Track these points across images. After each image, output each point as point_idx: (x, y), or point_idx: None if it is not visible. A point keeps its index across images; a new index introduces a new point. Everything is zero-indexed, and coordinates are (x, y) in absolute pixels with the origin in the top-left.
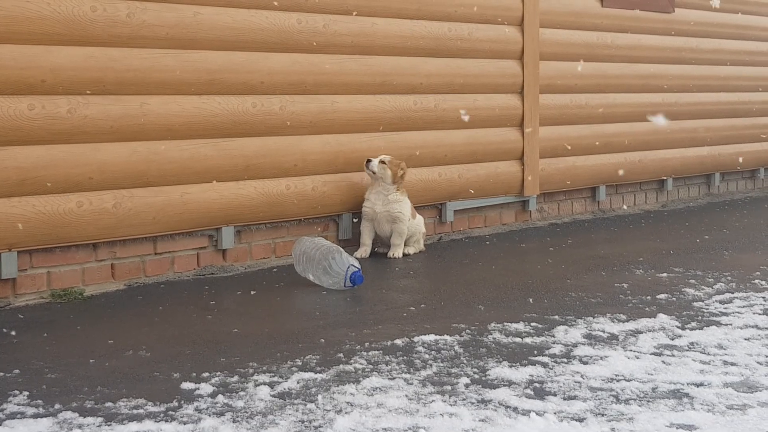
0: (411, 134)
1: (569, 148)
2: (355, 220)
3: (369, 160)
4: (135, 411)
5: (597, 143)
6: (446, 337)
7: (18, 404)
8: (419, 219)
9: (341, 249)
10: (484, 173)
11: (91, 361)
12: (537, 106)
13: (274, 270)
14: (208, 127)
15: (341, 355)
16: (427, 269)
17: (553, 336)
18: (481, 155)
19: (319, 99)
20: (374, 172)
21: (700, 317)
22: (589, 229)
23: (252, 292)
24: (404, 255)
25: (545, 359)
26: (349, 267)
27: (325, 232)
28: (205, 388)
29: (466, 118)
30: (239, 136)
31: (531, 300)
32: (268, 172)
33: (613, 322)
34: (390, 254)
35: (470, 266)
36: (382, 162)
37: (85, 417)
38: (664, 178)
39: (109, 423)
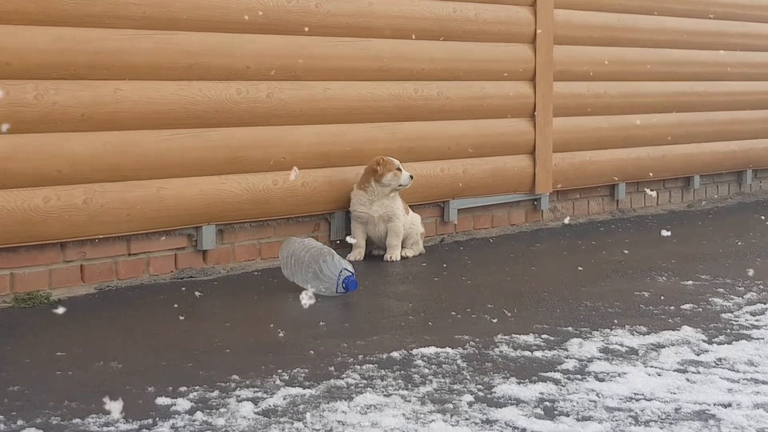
0: (411, 125)
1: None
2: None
3: (412, 176)
4: (105, 428)
5: (616, 136)
6: (448, 349)
7: None
8: (414, 217)
9: (333, 251)
10: (492, 168)
11: (57, 372)
12: (550, 94)
13: (259, 273)
14: (189, 116)
15: (332, 368)
16: (427, 274)
17: (566, 350)
18: (488, 149)
19: (309, 86)
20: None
21: (728, 330)
22: (606, 230)
23: (235, 298)
24: (403, 258)
25: (557, 375)
26: (341, 271)
27: (316, 233)
28: (183, 404)
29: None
30: (222, 126)
31: (542, 309)
32: (254, 165)
33: (633, 334)
34: (387, 257)
35: (475, 271)
36: (398, 170)
37: None
38: (691, 175)
39: None
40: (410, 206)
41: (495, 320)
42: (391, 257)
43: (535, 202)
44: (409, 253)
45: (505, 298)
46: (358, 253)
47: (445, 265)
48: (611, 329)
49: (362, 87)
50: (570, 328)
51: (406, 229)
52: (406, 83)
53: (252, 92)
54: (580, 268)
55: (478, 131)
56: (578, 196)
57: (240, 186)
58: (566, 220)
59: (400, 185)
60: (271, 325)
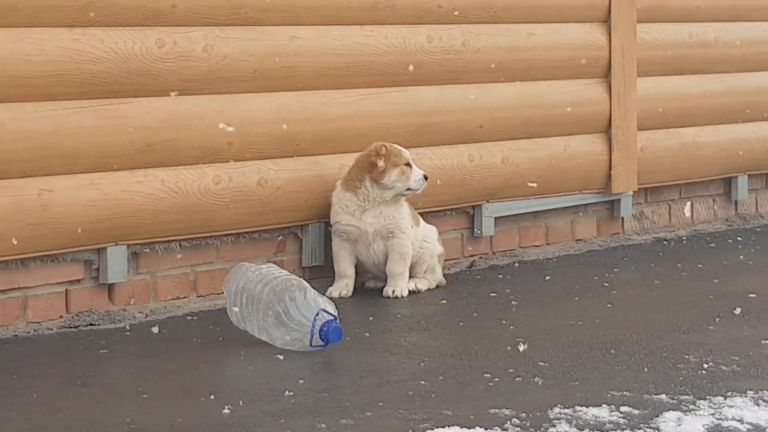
0: (422, 91)
1: None
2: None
3: (426, 177)
4: None
5: (734, 105)
6: (480, 431)
7: None
8: (428, 230)
9: (306, 284)
10: (546, 156)
11: None
12: (634, 42)
13: (194, 318)
14: (84, 81)
15: None
16: (449, 316)
17: (658, 429)
18: (539, 126)
19: (267, 32)
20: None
21: None
22: (720, 247)
23: (157, 356)
24: (412, 292)
25: None
26: (318, 314)
27: (280, 255)
28: None
29: None
30: (134, 95)
31: (621, 368)
32: (183, 154)
33: (758, 404)
34: (388, 291)
35: (522, 311)
36: (408, 165)
37: None
38: None
39: None
40: (421, 214)
41: (550, 386)
42: (394, 291)
43: (613, 206)
44: (422, 284)
45: (567, 353)
46: (343, 286)
47: (474, 304)
48: (726, 397)
49: (348, 34)
50: (663, 397)
51: (416, 249)
52: (416, 28)
53: (181, 43)
54: (679, 307)
55: (524, 99)
56: (677, 197)
57: (164, 186)
58: (659, 233)
59: (409, 189)
60: (212, 398)
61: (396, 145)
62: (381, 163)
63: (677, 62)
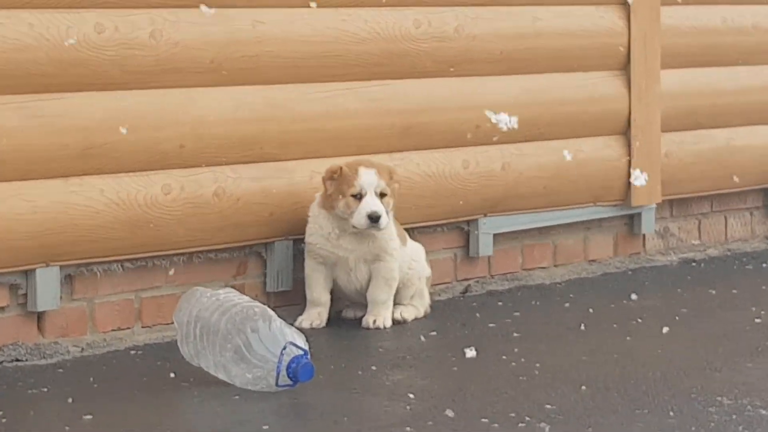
0: (409, 84)
1: None
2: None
3: (376, 216)
4: None
5: None
6: None
7: None
8: (414, 248)
9: (271, 313)
10: (553, 162)
11: None
12: (657, 28)
13: (139, 353)
14: (7, 73)
15: None
16: (440, 351)
17: None
18: (546, 126)
19: (226, 16)
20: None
21: None
22: (758, 270)
23: (95, 398)
24: (396, 322)
25: None
26: (286, 347)
27: (240, 279)
28: None
29: None
30: (68, 90)
31: (643, 411)
32: (126, 159)
33: None
34: (369, 321)
35: (525, 345)
36: (382, 194)
37: None
38: None
39: None
40: (408, 230)
41: None
42: (375, 322)
43: (632, 222)
44: (408, 313)
45: (578, 394)
46: (316, 316)
47: (468, 336)
48: None
49: (322, 17)
50: None
51: (404, 271)
52: (401, 11)
53: (124, 30)
54: (710, 340)
55: (529, 95)
56: (708, 210)
57: (103, 196)
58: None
59: (354, 227)
60: None
61: (360, 169)
62: (330, 187)
63: (707, 53)
